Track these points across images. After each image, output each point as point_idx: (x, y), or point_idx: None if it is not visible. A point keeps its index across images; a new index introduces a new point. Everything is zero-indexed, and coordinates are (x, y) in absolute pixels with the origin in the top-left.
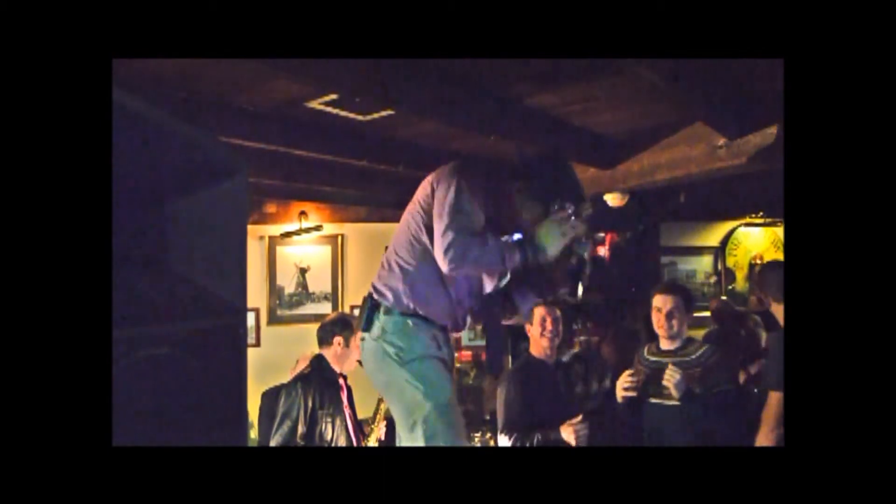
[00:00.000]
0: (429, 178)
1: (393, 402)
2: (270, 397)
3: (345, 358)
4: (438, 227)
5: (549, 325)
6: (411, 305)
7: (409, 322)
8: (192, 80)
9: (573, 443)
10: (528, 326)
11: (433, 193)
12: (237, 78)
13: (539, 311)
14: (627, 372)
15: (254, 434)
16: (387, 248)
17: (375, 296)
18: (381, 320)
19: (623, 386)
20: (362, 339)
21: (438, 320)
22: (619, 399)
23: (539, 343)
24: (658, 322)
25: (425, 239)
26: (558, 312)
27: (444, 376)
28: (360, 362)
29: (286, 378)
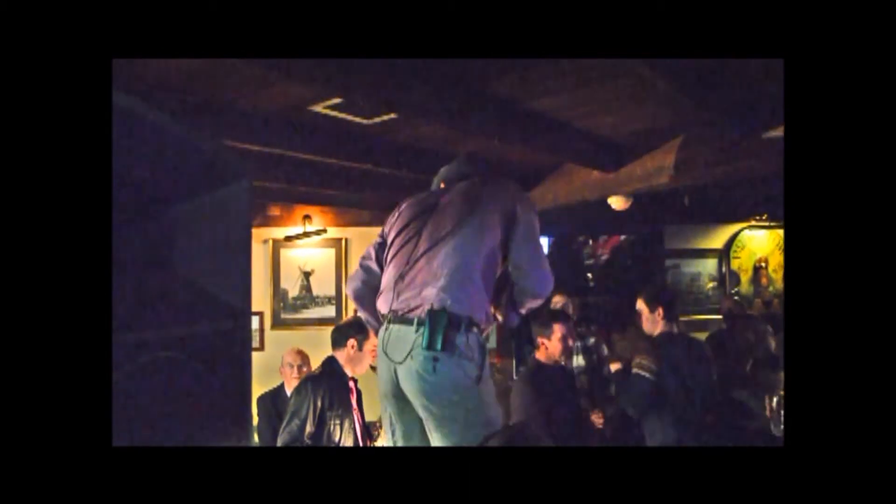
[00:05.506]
0: (502, 195)
1: (452, 422)
2: (266, 401)
3: (357, 361)
4: (540, 254)
5: (562, 334)
6: (488, 319)
7: (482, 337)
8: (196, 84)
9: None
10: (540, 336)
11: (513, 214)
12: (241, 81)
13: (558, 327)
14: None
15: (256, 439)
16: (424, 256)
17: (458, 309)
18: (462, 337)
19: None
20: (434, 360)
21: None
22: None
23: (551, 351)
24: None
25: (498, 253)
26: (573, 327)
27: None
28: (373, 367)
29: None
